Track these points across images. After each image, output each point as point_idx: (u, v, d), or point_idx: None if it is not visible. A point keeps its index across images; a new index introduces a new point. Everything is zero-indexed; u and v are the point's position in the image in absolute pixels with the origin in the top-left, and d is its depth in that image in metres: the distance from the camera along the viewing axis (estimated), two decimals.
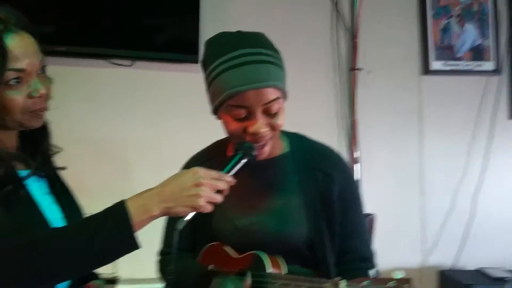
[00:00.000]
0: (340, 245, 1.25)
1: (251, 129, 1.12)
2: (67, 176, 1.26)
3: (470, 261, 2.59)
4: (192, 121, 2.32)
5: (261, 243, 1.21)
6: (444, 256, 2.61)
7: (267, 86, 1.10)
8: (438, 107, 2.64)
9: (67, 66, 2.24)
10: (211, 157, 1.32)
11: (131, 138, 2.35)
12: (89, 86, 2.31)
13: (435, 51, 2.64)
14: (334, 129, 2.57)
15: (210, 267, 1.21)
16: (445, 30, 2.65)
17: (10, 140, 1.08)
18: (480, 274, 2.47)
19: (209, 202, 0.99)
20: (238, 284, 1.16)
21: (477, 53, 2.67)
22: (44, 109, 1.07)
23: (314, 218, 1.23)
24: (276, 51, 1.17)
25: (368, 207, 2.51)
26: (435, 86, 2.65)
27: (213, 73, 1.13)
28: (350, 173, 1.34)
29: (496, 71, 2.67)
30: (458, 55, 2.66)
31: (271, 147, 1.19)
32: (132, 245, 0.95)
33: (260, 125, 1.12)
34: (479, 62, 2.66)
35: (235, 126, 1.14)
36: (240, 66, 1.09)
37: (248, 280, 1.14)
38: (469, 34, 2.67)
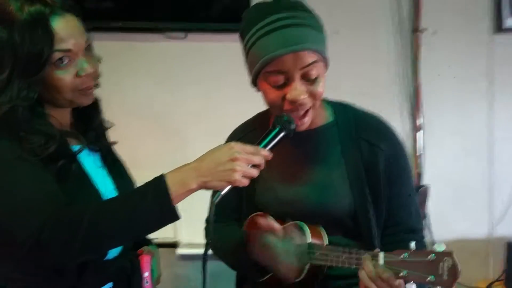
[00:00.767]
0: (386, 218, 1.23)
1: (290, 95, 1.10)
2: (120, 149, 1.33)
3: None
4: (245, 92, 2.32)
5: (303, 214, 1.22)
6: None
7: (304, 49, 1.07)
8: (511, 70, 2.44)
9: (122, 41, 2.32)
10: (255, 127, 1.33)
11: (183, 110, 2.40)
12: (144, 60, 2.37)
13: (509, 6, 2.40)
14: (396, 95, 2.45)
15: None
16: None
17: (64, 117, 1.16)
18: None
19: (245, 176, 1.00)
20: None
21: None
22: (93, 86, 1.13)
23: (358, 189, 1.21)
24: (313, 15, 1.14)
25: (432, 176, 2.45)
26: (510, 46, 2.43)
27: (249, 42, 1.12)
28: (399, 145, 1.28)
29: None
30: None
31: (312, 118, 1.17)
32: (172, 217, 1.00)
33: (299, 91, 1.09)
34: None
35: (274, 94, 1.12)
36: (275, 31, 1.07)
37: None
38: None
